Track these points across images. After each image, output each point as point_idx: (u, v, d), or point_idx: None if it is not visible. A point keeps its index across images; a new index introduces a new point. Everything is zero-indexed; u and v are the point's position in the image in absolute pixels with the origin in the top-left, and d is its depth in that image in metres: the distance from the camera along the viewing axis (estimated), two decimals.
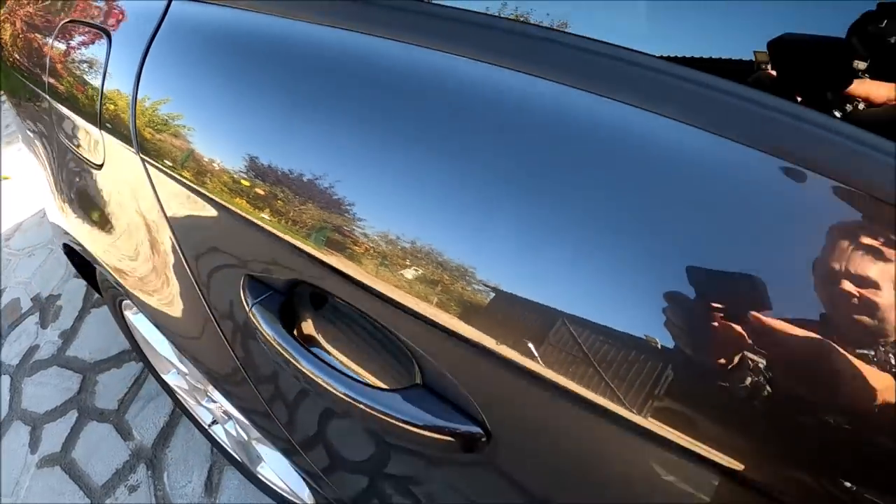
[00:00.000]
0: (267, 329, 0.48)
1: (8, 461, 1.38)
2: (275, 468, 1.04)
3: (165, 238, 0.60)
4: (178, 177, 0.52)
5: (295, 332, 0.50)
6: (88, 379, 1.53)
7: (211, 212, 0.51)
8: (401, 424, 0.41)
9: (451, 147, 0.37)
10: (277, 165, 0.44)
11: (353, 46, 0.44)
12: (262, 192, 0.45)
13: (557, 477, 0.38)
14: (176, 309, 0.68)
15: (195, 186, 0.50)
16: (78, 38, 0.72)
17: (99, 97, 0.63)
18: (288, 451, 0.73)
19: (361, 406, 0.43)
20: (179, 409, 1.34)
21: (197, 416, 1.26)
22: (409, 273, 0.38)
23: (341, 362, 0.49)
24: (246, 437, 1.05)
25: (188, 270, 0.60)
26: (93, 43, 0.68)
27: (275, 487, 1.15)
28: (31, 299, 1.78)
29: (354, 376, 0.46)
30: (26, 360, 1.60)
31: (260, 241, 0.47)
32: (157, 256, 0.65)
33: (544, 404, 0.35)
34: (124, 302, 1.04)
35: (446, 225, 0.36)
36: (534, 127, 0.35)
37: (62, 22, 0.77)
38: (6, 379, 1.57)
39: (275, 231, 0.45)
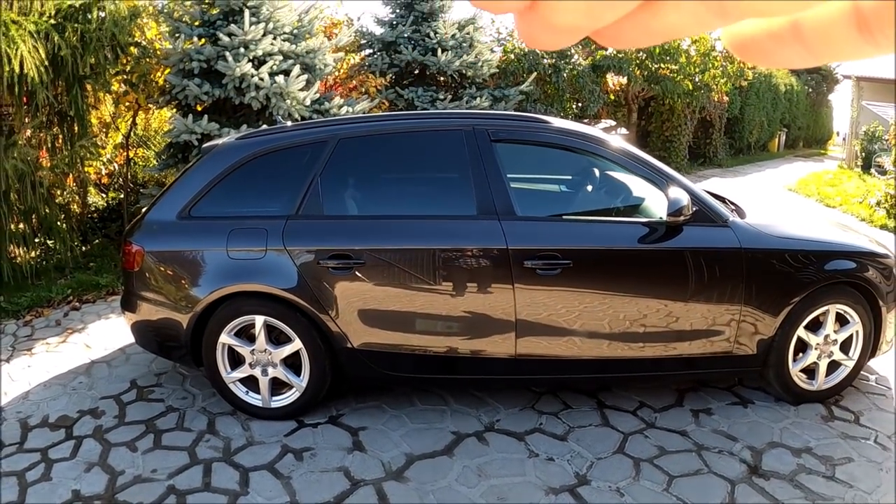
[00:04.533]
0: None
1: None
2: (288, 376, 2.88)
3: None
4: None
5: None
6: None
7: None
8: None
9: None
10: None
11: None
12: None
13: None
14: None
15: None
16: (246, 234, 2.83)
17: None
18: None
19: None
20: (227, 400, 2.98)
21: (239, 395, 2.96)
22: None
23: None
24: (275, 369, 2.88)
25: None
26: (257, 232, 2.82)
27: (281, 403, 2.92)
28: (77, 411, 3.11)
29: None
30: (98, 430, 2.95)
31: None
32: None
33: None
34: (228, 327, 2.85)
35: None
36: None
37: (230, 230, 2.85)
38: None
39: None
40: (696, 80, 12.10)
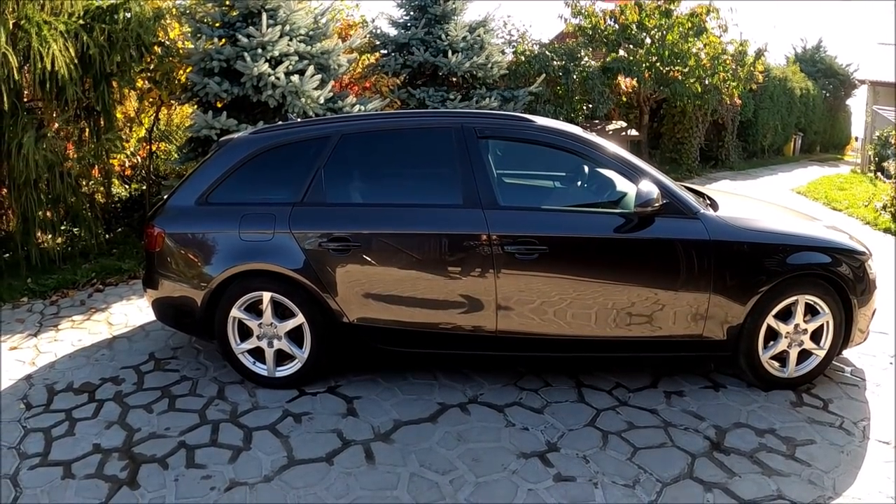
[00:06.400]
0: None
1: None
2: (291, 348, 3.15)
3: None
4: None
5: None
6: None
7: None
8: None
9: None
10: None
11: None
12: None
13: None
14: None
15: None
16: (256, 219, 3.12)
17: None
18: None
19: None
20: (236, 370, 3.26)
21: (247, 365, 3.24)
22: None
23: None
24: (279, 341, 3.16)
25: None
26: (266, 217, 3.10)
27: (285, 373, 3.20)
28: (99, 379, 3.41)
29: None
30: (118, 395, 3.25)
31: None
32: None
33: None
34: (238, 302, 3.13)
35: None
36: None
37: (242, 215, 3.13)
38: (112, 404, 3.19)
39: None
40: (706, 83, 12.17)
